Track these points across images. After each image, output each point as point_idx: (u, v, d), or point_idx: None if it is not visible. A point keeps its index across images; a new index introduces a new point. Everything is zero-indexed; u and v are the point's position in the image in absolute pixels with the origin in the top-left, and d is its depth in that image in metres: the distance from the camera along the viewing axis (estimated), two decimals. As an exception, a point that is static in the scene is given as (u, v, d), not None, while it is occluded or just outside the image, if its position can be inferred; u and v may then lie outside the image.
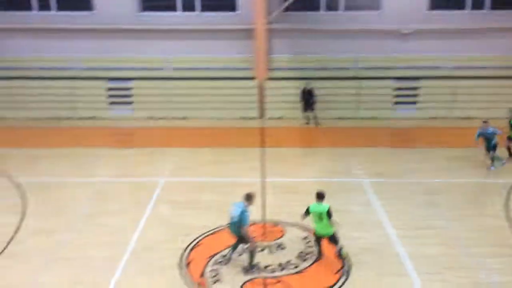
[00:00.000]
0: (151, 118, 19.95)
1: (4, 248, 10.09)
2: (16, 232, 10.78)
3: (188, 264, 9.47)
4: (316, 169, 14.39)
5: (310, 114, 19.02)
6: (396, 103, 19.99)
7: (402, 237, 10.41)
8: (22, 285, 8.91)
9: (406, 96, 19.99)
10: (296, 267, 9.37)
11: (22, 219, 11.35)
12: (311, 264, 9.46)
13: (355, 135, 17.40)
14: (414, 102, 20.04)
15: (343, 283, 8.86)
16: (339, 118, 19.16)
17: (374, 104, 19.84)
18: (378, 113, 19.82)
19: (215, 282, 8.90)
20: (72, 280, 9.05)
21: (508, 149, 14.93)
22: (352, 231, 10.60)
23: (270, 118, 20.04)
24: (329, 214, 9.15)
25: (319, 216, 9.24)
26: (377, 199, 12.31)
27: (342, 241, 10.10)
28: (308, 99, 18.78)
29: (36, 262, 9.60)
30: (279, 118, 19.84)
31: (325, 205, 9.26)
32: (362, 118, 19.19)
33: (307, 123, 18.85)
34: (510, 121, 14.70)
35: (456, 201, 12.20)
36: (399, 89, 19.87)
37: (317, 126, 18.79)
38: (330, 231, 9.30)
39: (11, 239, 10.46)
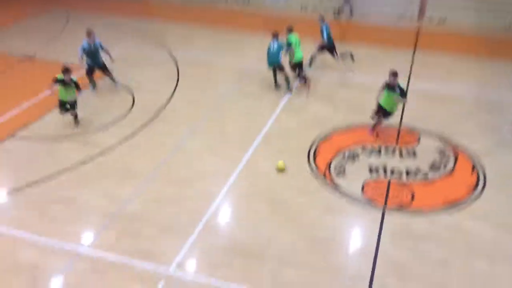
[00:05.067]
0: (304, 8, 19.55)
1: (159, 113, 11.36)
2: (169, 100, 11.98)
3: (316, 155, 9.69)
4: (466, 79, 13.11)
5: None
6: None
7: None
8: (168, 145, 10.06)
9: None
10: (425, 175, 9.01)
11: (175, 90, 12.52)
12: (442, 176, 9.01)
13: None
14: None
15: (473, 201, 8.36)
16: None
17: None
18: None
19: (338, 174, 9.03)
20: (207, 151, 9.89)
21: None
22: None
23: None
24: None
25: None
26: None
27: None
28: None
29: (183, 129, 10.66)
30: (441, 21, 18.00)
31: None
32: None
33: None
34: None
35: None
36: None
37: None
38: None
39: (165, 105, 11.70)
